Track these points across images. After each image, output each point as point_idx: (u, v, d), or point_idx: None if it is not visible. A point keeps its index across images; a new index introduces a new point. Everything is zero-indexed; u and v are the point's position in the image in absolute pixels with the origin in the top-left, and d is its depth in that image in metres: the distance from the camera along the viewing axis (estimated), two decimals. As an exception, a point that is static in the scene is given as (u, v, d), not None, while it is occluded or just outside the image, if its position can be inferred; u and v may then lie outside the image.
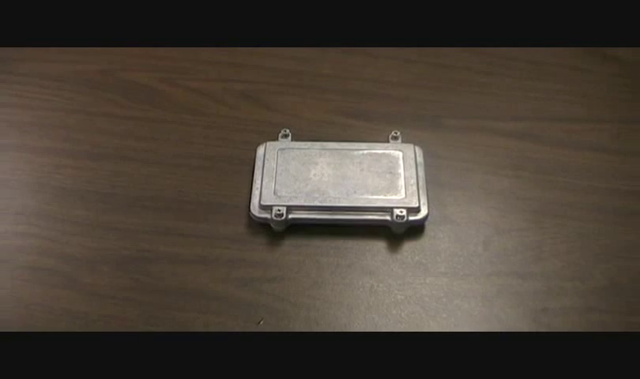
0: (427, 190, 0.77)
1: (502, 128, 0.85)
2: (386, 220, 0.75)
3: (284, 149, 0.79)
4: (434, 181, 0.79)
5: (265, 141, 0.81)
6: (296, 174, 0.77)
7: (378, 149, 0.80)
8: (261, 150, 0.80)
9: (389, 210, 0.75)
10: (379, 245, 0.75)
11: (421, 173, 0.78)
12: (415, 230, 0.76)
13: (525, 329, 0.68)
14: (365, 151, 0.80)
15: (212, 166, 0.82)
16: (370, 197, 0.75)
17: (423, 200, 0.76)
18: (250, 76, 0.91)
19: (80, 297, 0.71)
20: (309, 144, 0.80)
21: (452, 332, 0.68)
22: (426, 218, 0.75)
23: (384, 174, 0.77)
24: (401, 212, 0.74)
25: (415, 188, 0.76)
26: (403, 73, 0.91)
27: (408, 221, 0.74)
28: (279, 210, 0.74)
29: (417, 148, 0.81)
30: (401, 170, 0.78)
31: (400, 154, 0.79)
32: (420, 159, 0.80)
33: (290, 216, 0.75)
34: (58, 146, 0.83)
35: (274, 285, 0.72)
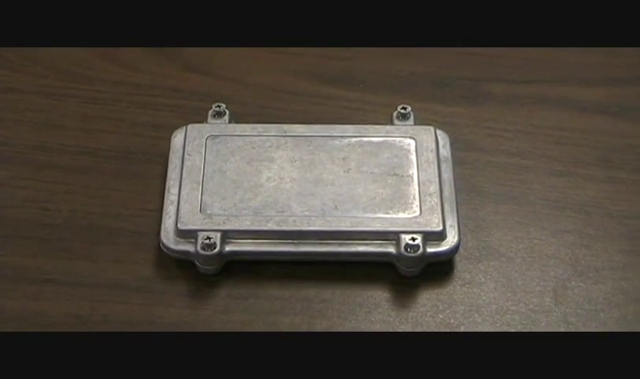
0: (457, 204, 0.74)
1: (582, 96, 0.85)
2: (389, 253, 0.72)
3: (216, 137, 0.78)
4: (469, 188, 0.78)
5: (186, 124, 0.79)
6: (238, 179, 0.75)
7: (375, 135, 0.78)
8: (178, 139, 0.79)
9: (393, 237, 0.71)
10: (378, 296, 0.72)
11: (447, 175, 0.76)
12: (437, 270, 0.73)
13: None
14: (353, 140, 0.78)
15: (96, 165, 0.80)
16: (361, 215, 0.73)
17: (451, 220, 0.73)
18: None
19: None
20: (259, 127, 0.79)
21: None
22: (456, 249, 0.73)
23: (385, 178, 0.75)
24: (414, 239, 0.70)
25: (437, 200, 0.73)
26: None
27: (425, 254, 0.71)
28: (209, 238, 0.71)
29: (440, 134, 0.79)
30: (414, 171, 0.75)
31: (413, 143, 0.78)
32: (446, 153, 0.78)
33: (227, 249, 0.72)
34: None
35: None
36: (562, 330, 0.70)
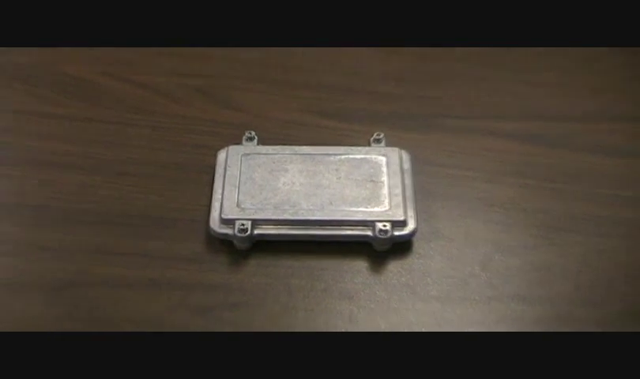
0: (415, 201, 0.77)
1: (503, 128, 0.86)
2: (368, 236, 0.75)
3: (248, 154, 0.80)
4: (423, 190, 0.80)
5: (227, 146, 0.81)
6: (263, 183, 0.78)
7: (358, 154, 0.81)
8: (221, 156, 0.81)
9: (370, 224, 0.75)
10: (360, 265, 0.75)
11: (408, 181, 0.79)
12: (401, 247, 0.76)
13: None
14: (342, 157, 0.80)
15: (163, 174, 0.82)
16: (348, 209, 0.76)
17: (411, 212, 0.76)
18: (209, 71, 0.91)
19: (3, 327, 0.69)
20: (277, 148, 0.81)
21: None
22: (413, 233, 0.75)
23: (365, 183, 0.78)
24: (385, 226, 0.74)
25: (400, 198, 0.76)
26: (387, 65, 0.92)
27: (392, 236, 0.74)
28: (243, 225, 0.74)
29: (403, 153, 0.81)
30: (385, 178, 0.78)
31: (384, 159, 0.80)
32: (407, 166, 0.80)
33: (256, 232, 0.75)
34: (-25, 151, 0.83)
35: (237, 312, 0.72)
36: (487, 292, 0.72)
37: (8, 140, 0.84)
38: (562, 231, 0.77)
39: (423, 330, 0.70)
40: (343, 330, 0.70)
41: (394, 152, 0.80)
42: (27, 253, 0.75)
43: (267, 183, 0.78)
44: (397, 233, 0.75)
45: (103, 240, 0.76)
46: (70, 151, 0.83)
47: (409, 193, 0.77)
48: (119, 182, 0.81)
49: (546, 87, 0.89)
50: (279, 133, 0.85)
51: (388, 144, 0.82)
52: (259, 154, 0.80)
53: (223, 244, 0.76)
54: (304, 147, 0.81)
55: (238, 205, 0.75)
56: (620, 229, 0.77)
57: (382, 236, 0.74)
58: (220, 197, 0.76)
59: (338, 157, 0.80)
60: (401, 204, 0.76)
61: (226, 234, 0.75)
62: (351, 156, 0.80)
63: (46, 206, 0.79)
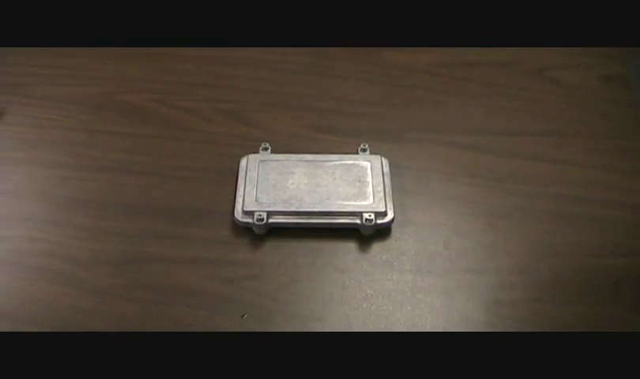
0: (393, 196, 0.75)
1: (458, 140, 0.83)
2: (356, 223, 0.73)
3: (264, 161, 0.78)
4: (398, 188, 0.78)
5: (247, 154, 0.79)
6: (275, 183, 0.76)
7: (348, 160, 0.78)
8: (243, 162, 0.78)
9: (358, 214, 0.73)
10: (350, 246, 0.74)
11: (387, 181, 0.76)
12: (382, 232, 0.75)
13: (481, 318, 0.68)
14: (337, 162, 0.78)
15: (200, 176, 0.80)
16: (341, 202, 0.74)
17: (389, 205, 0.74)
18: (235, 97, 0.88)
19: (82, 294, 0.70)
20: (286, 156, 0.79)
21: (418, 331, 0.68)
22: (392, 221, 0.74)
23: (354, 183, 0.76)
24: (370, 215, 0.73)
25: (382, 194, 0.74)
26: (369, 92, 0.89)
27: (375, 224, 0.73)
28: (260, 215, 0.73)
29: (383, 159, 0.79)
30: (369, 179, 0.76)
31: (369, 164, 0.78)
32: (386, 169, 0.78)
33: (270, 221, 0.73)
34: (63, 160, 0.82)
35: (256, 282, 0.71)
36: (447, 265, 0.72)
37: (84, 152, 0.83)
38: (503, 218, 0.76)
39: (400, 295, 0.70)
40: (337, 297, 0.70)
41: (377, 159, 0.78)
42: (97, 237, 0.75)
43: (278, 183, 0.76)
44: (379, 221, 0.73)
45: (156, 227, 0.75)
46: (131, 160, 0.82)
47: (388, 190, 0.75)
48: (168, 183, 0.79)
49: (490, 109, 0.87)
50: (287, 144, 0.82)
51: (371, 153, 0.80)
52: (272, 160, 0.78)
53: (245, 230, 0.74)
54: (307, 155, 0.79)
55: (256, 200, 0.74)
56: (545, 217, 0.76)
57: (368, 224, 0.73)
58: (243, 193, 0.75)
59: (333, 163, 0.78)
60: (383, 199, 0.74)
61: (247, 223, 0.73)
62: (343, 162, 0.78)
63: (113, 202, 0.77)
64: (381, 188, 0.75)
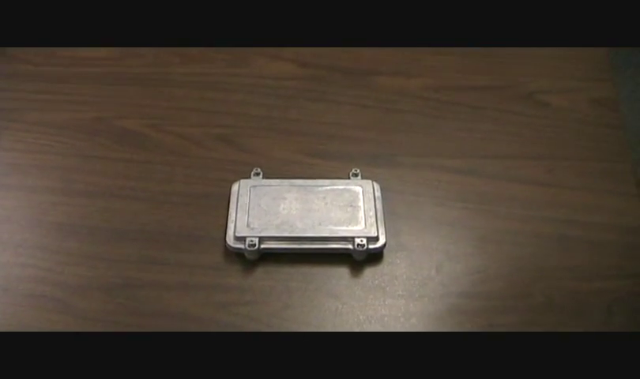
0: (385, 221, 0.75)
1: (449, 165, 0.83)
2: (348, 248, 0.73)
3: (256, 186, 0.77)
4: (390, 212, 0.78)
5: (239, 179, 0.79)
6: (267, 209, 0.75)
7: (340, 185, 0.78)
8: (235, 187, 0.78)
9: (350, 239, 0.73)
10: (342, 271, 0.74)
11: (379, 206, 0.76)
12: (374, 257, 0.74)
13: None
14: (328, 187, 0.77)
15: (192, 202, 0.79)
16: (333, 227, 0.74)
17: (381, 230, 0.74)
18: (227, 122, 0.88)
19: (73, 320, 0.70)
20: (278, 181, 0.78)
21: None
22: (384, 246, 0.74)
23: (346, 207, 0.76)
24: (362, 241, 0.72)
25: (373, 219, 0.74)
26: (360, 117, 0.89)
27: (367, 249, 0.73)
28: (252, 241, 0.72)
29: (375, 184, 0.78)
30: (361, 204, 0.76)
31: (360, 189, 0.77)
32: (378, 194, 0.78)
33: (262, 246, 0.73)
34: (55, 185, 0.81)
35: (249, 308, 0.70)
36: (440, 290, 0.71)
37: (76, 177, 0.82)
38: (495, 242, 0.76)
39: (392, 321, 0.70)
40: (330, 323, 0.69)
41: (368, 184, 0.78)
42: (88, 263, 0.74)
43: (270, 208, 0.75)
44: (371, 246, 0.73)
45: (147, 252, 0.75)
46: (122, 185, 0.81)
47: (380, 215, 0.75)
48: (159, 209, 0.79)
49: (481, 133, 0.87)
50: (279, 169, 0.82)
51: (363, 178, 0.80)
52: (264, 186, 0.78)
53: (237, 256, 0.74)
54: (298, 180, 0.78)
55: (248, 226, 0.74)
56: (537, 240, 0.76)
57: (360, 249, 0.72)
58: (234, 219, 0.74)
59: (325, 188, 0.77)
60: (374, 224, 0.74)
61: (239, 248, 0.73)
62: (334, 187, 0.78)
63: (104, 228, 0.77)
64: (372, 213, 0.75)
